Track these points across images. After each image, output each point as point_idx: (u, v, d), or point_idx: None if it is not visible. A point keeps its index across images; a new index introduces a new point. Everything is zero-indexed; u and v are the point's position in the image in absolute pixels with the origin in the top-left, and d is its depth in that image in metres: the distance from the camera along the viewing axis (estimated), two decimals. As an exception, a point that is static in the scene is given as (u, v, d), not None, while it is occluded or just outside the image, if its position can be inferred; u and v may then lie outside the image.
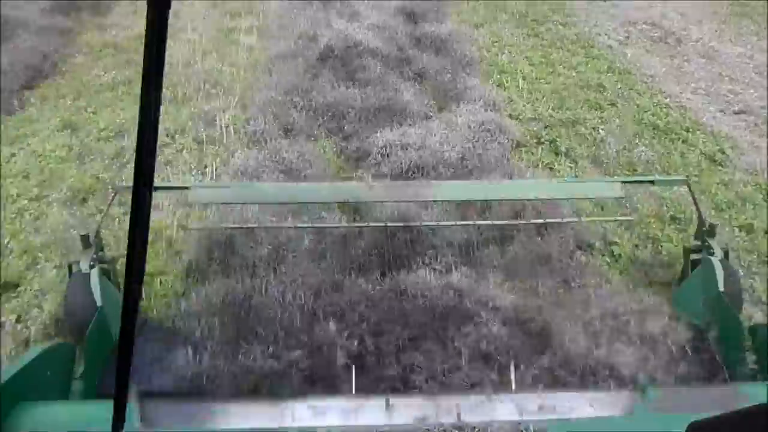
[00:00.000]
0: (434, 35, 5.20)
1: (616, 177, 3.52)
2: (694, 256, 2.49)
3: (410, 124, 3.88)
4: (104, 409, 1.03)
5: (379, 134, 3.67)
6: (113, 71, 4.87)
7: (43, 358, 1.83)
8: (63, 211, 3.29)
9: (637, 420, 1.72)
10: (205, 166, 3.73)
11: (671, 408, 1.70)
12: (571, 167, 3.78)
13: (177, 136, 4.01)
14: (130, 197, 0.80)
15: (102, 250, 2.44)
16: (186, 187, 2.44)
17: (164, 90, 3.90)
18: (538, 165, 3.80)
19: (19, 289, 2.77)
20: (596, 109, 4.47)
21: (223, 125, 4.08)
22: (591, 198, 2.95)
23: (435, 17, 5.74)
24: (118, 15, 5.96)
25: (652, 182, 2.83)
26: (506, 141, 3.84)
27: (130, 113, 4.30)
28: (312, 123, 3.99)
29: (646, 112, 4.41)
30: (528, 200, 2.74)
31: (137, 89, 4.60)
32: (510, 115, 4.34)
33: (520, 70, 5.01)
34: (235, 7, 6.08)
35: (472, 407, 1.75)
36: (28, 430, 1.63)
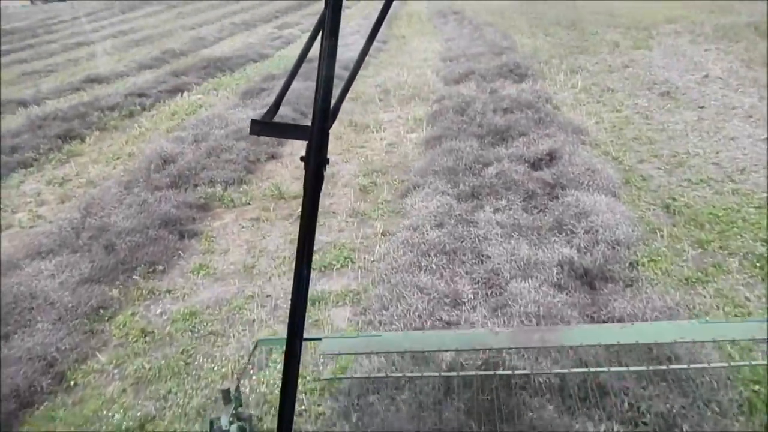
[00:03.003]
0: (634, 318, 3.09)
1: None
2: None
3: None
4: None
5: None
6: (129, 396, 3.21)
7: None
8: None
9: None
10: None
11: None
12: None
13: None
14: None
15: (241, 405, 2.42)
16: (318, 339, 2.40)
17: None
18: None
19: None
20: None
21: None
22: (734, 340, 2.64)
23: (624, 273, 3.68)
24: (179, 274, 4.55)
25: None
26: None
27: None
28: None
29: None
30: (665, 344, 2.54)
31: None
32: None
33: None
34: (332, 255, 4.47)
35: None
36: None
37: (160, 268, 4.57)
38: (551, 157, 5.79)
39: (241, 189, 6.15)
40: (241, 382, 2.83)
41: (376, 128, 8.04)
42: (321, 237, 4.92)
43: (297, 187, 6.15)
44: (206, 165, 6.53)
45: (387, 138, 7.62)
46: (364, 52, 1.00)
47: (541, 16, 20.08)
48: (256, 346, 2.68)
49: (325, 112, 0.87)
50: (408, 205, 5.22)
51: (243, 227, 5.29)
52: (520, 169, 5.41)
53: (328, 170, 6.69)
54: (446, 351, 2.67)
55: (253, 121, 0.99)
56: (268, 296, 4.05)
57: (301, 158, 0.92)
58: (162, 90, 11.51)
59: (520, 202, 4.86)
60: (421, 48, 14.93)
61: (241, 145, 7.01)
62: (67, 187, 6.76)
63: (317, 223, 5.08)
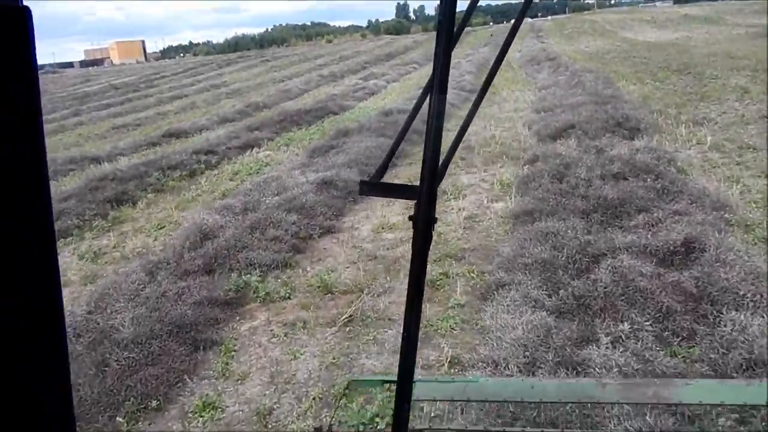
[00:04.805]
0: None
1: None
2: None
3: None
4: None
5: None
6: None
7: None
8: None
9: None
10: None
11: None
12: None
13: None
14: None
15: None
16: (412, 382, 1.66)
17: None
18: None
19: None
20: None
21: None
22: None
23: None
24: (177, 415, 3.42)
25: None
26: None
27: None
28: None
29: None
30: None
31: None
32: None
33: None
34: (377, 402, 3.16)
35: None
36: None
37: (155, 404, 3.45)
38: (688, 249, 4.24)
39: (282, 276, 5.04)
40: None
41: (455, 195, 6.77)
42: (368, 362, 3.65)
43: (350, 274, 4.95)
44: (248, 243, 5.49)
45: (467, 208, 6.32)
46: (476, 106, 0.93)
47: (646, 60, 18.25)
48: (348, 386, 2.61)
49: (434, 171, 0.82)
50: (487, 316, 3.86)
51: (274, 336, 4.12)
52: (645, 269, 3.91)
53: (390, 255, 5.49)
54: (548, 403, 2.45)
55: (362, 182, 0.95)
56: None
57: (410, 217, 0.87)
58: (232, 146, 10.91)
59: (651, 326, 3.36)
60: (511, 98, 13.63)
61: (291, 218, 5.95)
62: (98, 263, 5.97)
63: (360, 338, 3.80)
